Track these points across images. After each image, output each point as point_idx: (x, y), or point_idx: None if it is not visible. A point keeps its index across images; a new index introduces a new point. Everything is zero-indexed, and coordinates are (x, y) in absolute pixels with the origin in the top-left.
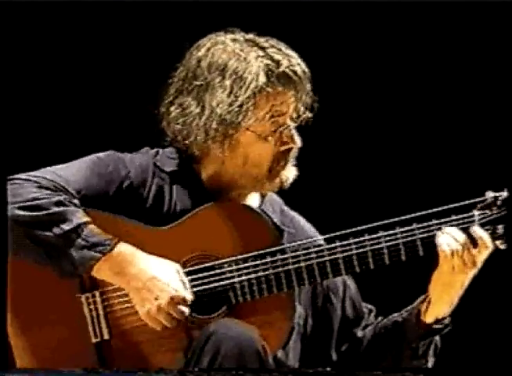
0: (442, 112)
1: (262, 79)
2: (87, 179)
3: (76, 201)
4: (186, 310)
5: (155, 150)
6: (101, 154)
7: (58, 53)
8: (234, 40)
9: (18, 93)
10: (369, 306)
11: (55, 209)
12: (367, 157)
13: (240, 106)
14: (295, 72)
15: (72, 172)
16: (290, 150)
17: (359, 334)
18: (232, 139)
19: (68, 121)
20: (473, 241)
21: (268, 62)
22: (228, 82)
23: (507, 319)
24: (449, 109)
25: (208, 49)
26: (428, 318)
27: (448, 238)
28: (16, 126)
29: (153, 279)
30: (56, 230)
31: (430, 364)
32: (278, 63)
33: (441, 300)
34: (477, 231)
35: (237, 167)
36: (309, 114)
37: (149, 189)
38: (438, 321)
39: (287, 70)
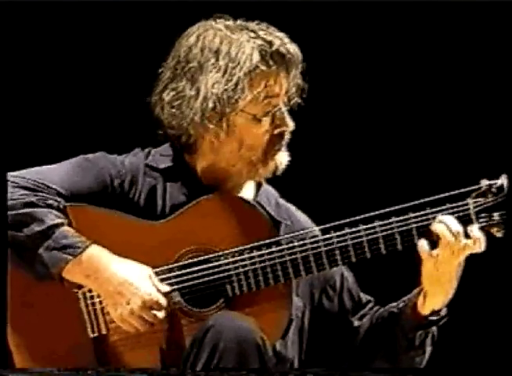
0: (436, 101)
1: (256, 58)
2: (73, 177)
3: (52, 201)
4: (160, 314)
5: (147, 150)
6: (90, 155)
7: (56, 53)
8: (225, 25)
9: (15, 93)
10: (368, 297)
11: (26, 210)
12: (361, 147)
13: (236, 84)
14: (288, 50)
15: (57, 171)
16: (283, 133)
17: (356, 323)
18: (228, 119)
19: (63, 122)
20: (467, 236)
21: (261, 42)
22: (222, 63)
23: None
24: (443, 98)
25: (199, 36)
26: (425, 310)
27: (443, 227)
28: (14, 126)
29: (124, 283)
30: (27, 231)
31: (427, 354)
32: (270, 43)
33: (434, 292)
34: (475, 232)
35: (233, 152)
36: (299, 100)
37: (141, 188)
38: (434, 313)
39: (280, 48)
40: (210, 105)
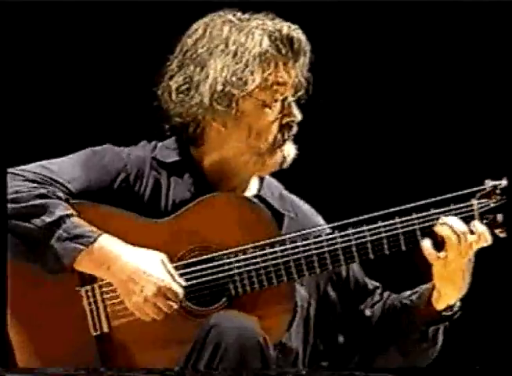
0: (442, 101)
1: (266, 42)
2: (80, 172)
3: (61, 194)
4: (174, 302)
5: (153, 143)
6: (96, 148)
7: (56, 51)
8: (233, 15)
9: (17, 90)
10: (375, 283)
11: (37, 201)
12: (366, 147)
13: (245, 66)
14: (297, 37)
15: (64, 165)
16: (291, 123)
17: (367, 312)
18: (237, 103)
19: (67, 116)
20: (471, 232)
21: (270, 29)
22: (231, 48)
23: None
24: (448, 98)
25: (206, 26)
26: (439, 305)
27: (447, 229)
28: (16, 122)
29: (138, 270)
30: (38, 222)
31: (439, 345)
32: (280, 30)
33: (448, 290)
34: (478, 226)
35: (241, 141)
36: (305, 93)
37: (146, 182)
38: (448, 308)
39: (290, 34)
40: (219, 87)
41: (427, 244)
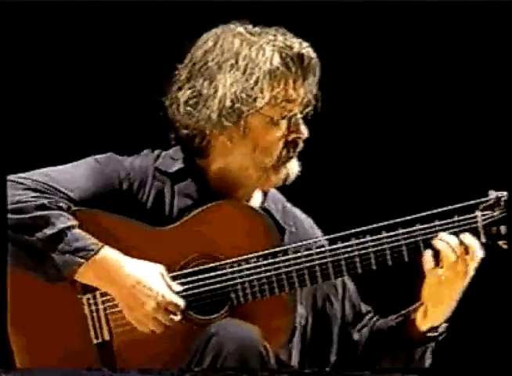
0: (444, 111)
1: (277, 59)
2: (82, 180)
3: (62, 204)
4: (175, 315)
5: (156, 152)
6: (99, 156)
7: (60, 57)
8: (244, 28)
9: (18, 93)
10: (368, 307)
11: (38, 213)
12: (369, 158)
13: (255, 83)
14: (308, 55)
15: (67, 173)
16: (297, 140)
17: (356, 336)
18: (245, 119)
19: (69, 123)
20: (466, 250)
21: (281, 45)
22: (241, 63)
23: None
24: (451, 108)
25: (217, 38)
26: (423, 326)
27: (444, 246)
28: (17, 127)
29: (137, 285)
30: (39, 234)
31: (426, 365)
32: (290, 47)
33: (435, 310)
34: (467, 238)
35: (246, 155)
36: (312, 109)
37: (149, 192)
38: (433, 329)
39: (301, 52)
40: (228, 103)
41: (427, 253)
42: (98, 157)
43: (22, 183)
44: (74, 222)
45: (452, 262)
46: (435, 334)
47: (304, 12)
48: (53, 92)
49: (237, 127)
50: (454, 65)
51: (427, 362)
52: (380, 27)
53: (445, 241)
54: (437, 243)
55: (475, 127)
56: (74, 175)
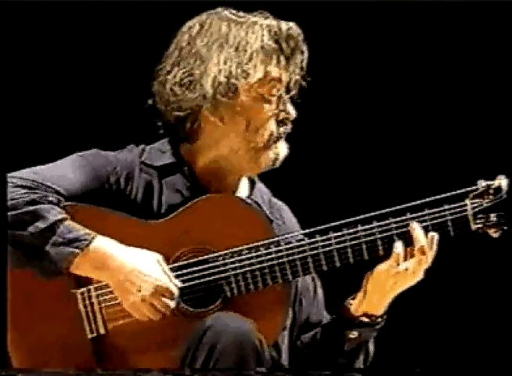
0: (433, 101)
1: (267, 36)
2: (71, 175)
3: (52, 198)
4: (171, 302)
5: (141, 146)
6: (84, 152)
7: (53, 53)
8: (229, 12)
9: (14, 92)
10: (328, 316)
11: (29, 208)
12: (356, 148)
13: (249, 59)
14: (296, 34)
15: (55, 170)
16: (286, 120)
17: (298, 343)
18: (239, 96)
19: (60, 122)
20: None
21: (269, 23)
22: (233, 41)
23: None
24: (440, 98)
25: (203, 23)
26: (357, 312)
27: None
28: (13, 126)
29: (134, 270)
30: (31, 228)
31: (356, 365)
32: (278, 26)
33: (378, 299)
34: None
35: (238, 134)
36: (297, 93)
37: (138, 184)
38: (365, 315)
39: (288, 31)
40: (223, 79)
41: (399, 242)
42: (82, 153)
43: (11, 182)
44: (66, 215)
45: (421, 244)
46: (367, 320)
47: (303, 12)
48: (51, 92)
49: (232, 103)
50: (444, 57)
51: (358, 362)
52: (374, 22)
53: (422, 233)
54: (415, 232)
55: (463, 116)
56: (62, 171)
